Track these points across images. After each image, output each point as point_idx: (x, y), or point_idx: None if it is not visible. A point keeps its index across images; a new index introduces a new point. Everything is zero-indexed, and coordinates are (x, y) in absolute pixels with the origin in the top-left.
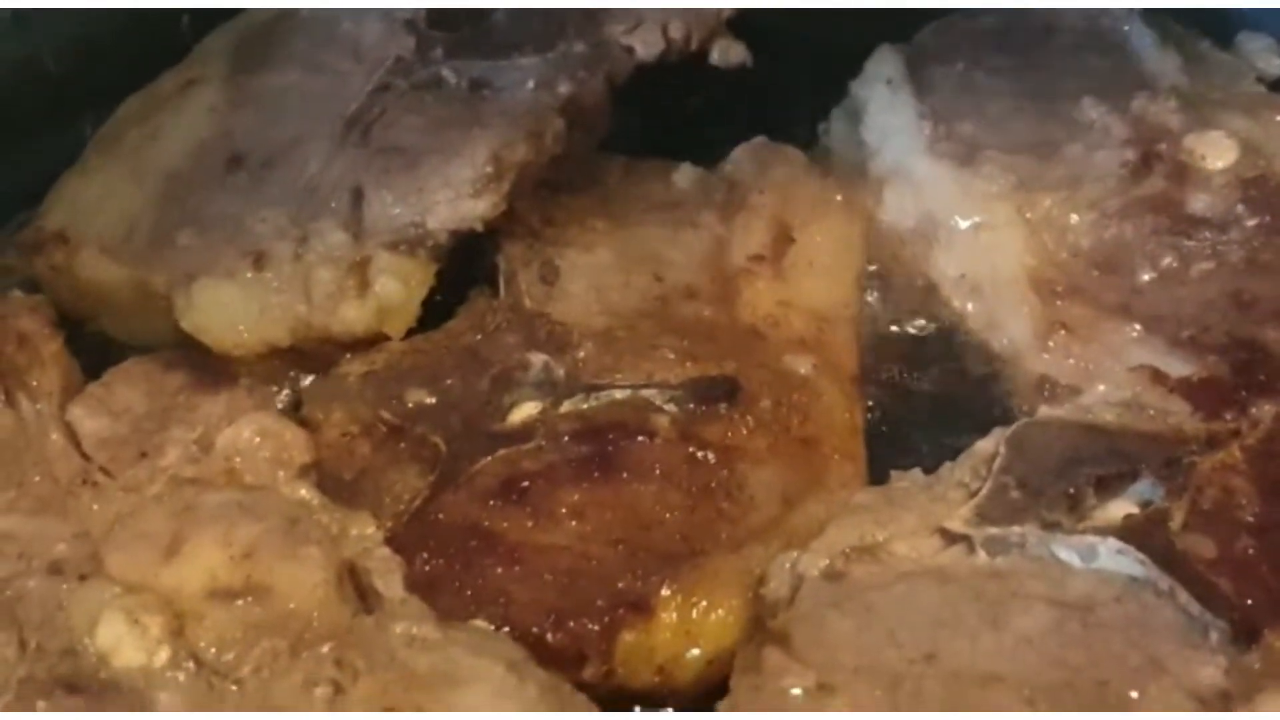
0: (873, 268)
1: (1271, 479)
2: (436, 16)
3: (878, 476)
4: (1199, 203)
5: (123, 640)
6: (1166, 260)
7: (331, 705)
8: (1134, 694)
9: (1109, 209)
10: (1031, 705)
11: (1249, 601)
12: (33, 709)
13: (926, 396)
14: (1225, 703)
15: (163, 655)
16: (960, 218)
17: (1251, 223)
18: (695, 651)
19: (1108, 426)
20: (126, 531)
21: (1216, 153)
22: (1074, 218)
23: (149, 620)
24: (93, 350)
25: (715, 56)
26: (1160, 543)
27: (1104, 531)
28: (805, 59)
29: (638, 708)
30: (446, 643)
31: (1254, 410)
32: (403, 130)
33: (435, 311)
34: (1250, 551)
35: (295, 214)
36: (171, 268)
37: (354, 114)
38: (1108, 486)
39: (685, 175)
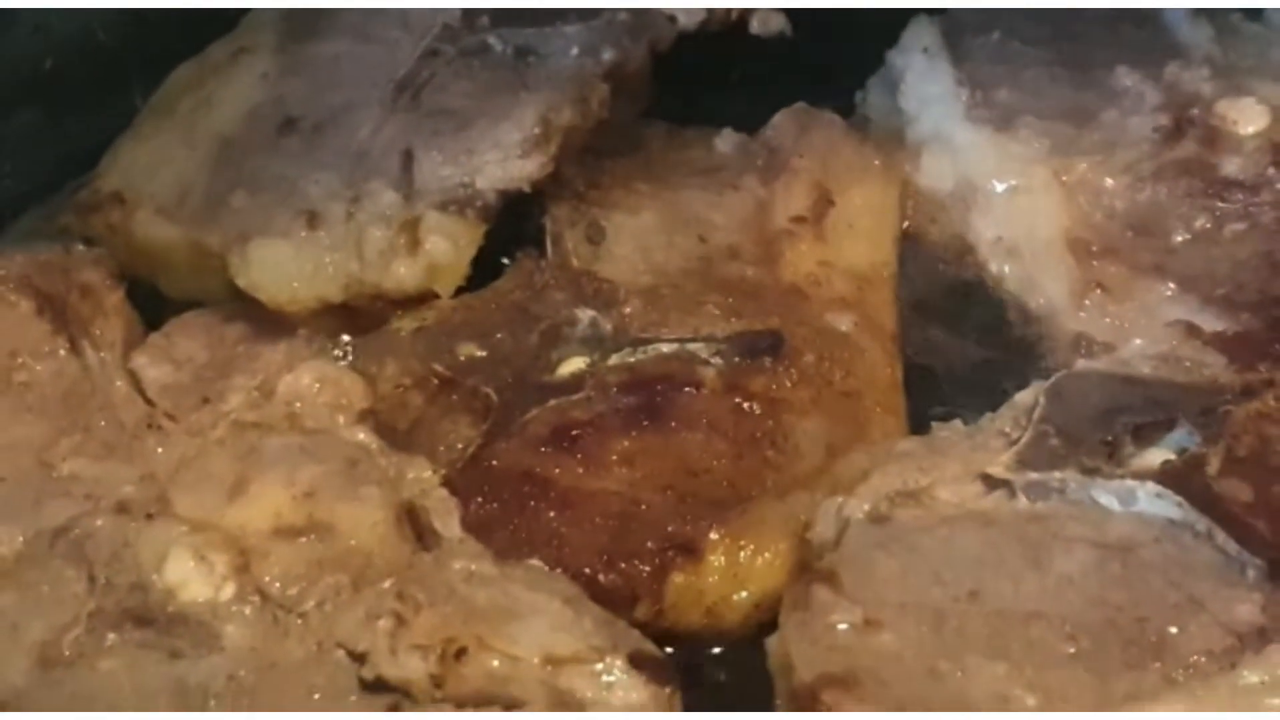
0: (911, 230)
1: None
2: None
3: (918, 431)
4: (1231, 166)
5: (190, 575)
6: (1199, 222)
7: (394, 637)
8: (1173, 630)
9: (1143, 172)
10: (1073, 642)
11: None
12: (103, 640)
13: (964, 355)
14: (1262, 638)
15: (229, 590)
16: (997, 181)
17: None
18: (743, 594)
19: (1145, 378)
20: (192, 473)
21: (1248, 118)
22: (1109, 181)
23: (215, 557)
24: (148, 308)
25: (755, 26)
26: (1198, 486)
27: (1143, 476)
28: (843, 29)
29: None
30: (504, 579)
31: None
32: (452, 95)
33: (484, 272)
34: None
35: (347, 175)
36: (226, 228)
37: (403, 79)
38: (1145, 435)
39: (727, 140)
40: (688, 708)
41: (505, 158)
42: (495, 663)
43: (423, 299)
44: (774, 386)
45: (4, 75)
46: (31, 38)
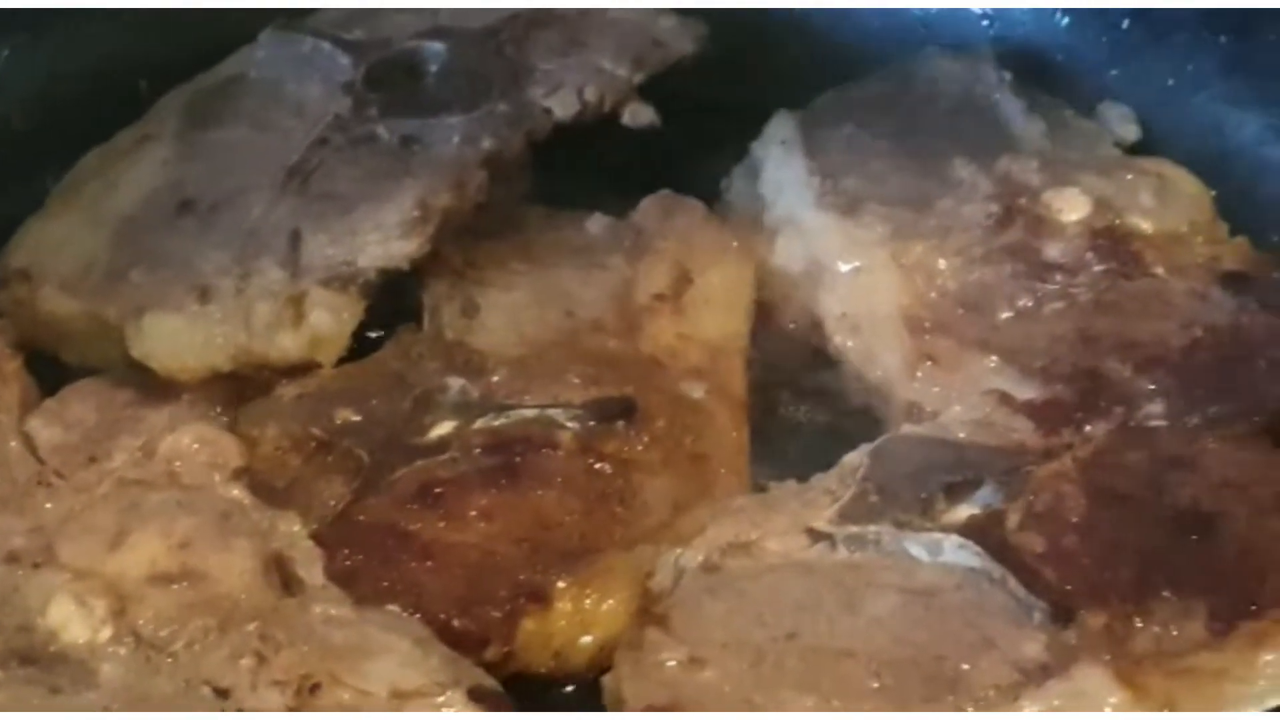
0: (764, 306)
1: (1098, 485)
2: (373, 79)
3: (762, 491)
4: (1053, 250)
5: (71, 619)
6: (1023, 301)
7: (255, 674)
8: (966, 666)
9: (974, 255)
10: (878, 677)
11: (1068, 587)
12: None
13: (809, 422)
14: (1044, 673)
15: (106, 632)
16: (842, 262)
17: (1099, 268)
18: (588, 638)
19: (959, 441)
20: (76, 525)
21: (1071, 207)
22: (942, 263)
23: (94, 602)
24: (49, 376)
25: (626, 118)
26: (996, 538)
27: (949, 529)
28: (711, 122)
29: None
30: (360, 621)
31: (1089, 428)
32: (339, 180)
33: (366, 345)
34: (1074, 546)
35: (238, 254)
36: (124, 302)
37: (295, 165)
38: (956, 492)
39: (597, 223)
40: None
41: (386, 238)
42: (346, 696)
43: (307, 369)
44: (626, 448)
45: None
46: None
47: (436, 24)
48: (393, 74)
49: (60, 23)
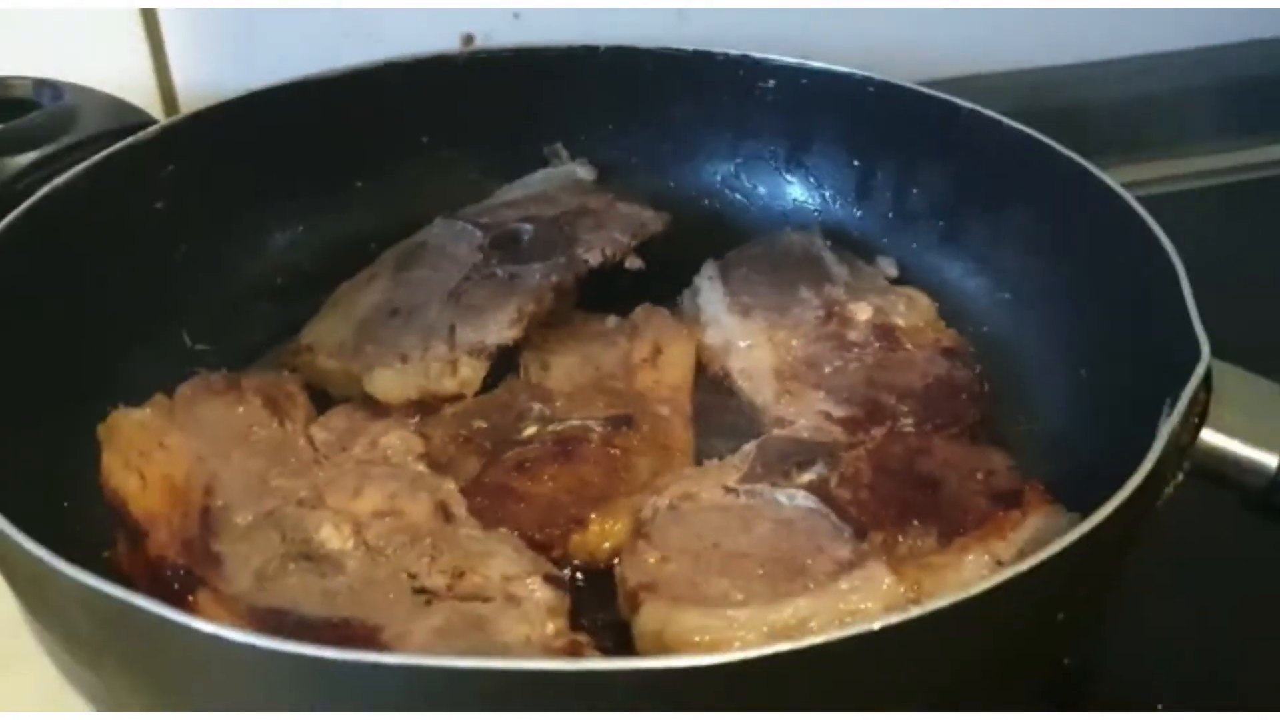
0: (700, 365)
1: (878, 463)
2: (493, 243)
3: (698, 464)
4: (853, 335)
5: (331, 536)
6: (837, 363)
7: (430, 566)
8: (809, 561)
9: (811, 337)
10: (762, 567)
11: (863, 519)
12: (285, 572)
13: (724, 429)
14: (850, 565)
15: (350, 543)
16: (741, 342)
17: (877, 345)
18: (607, 545)
19: (803, 440)
20: (334, 486)
21: (861, 312)
22: (795, 342)
23: (344, 526)
24: (321, 402)
25: (627, 264)
26: (824, 492)
27: (798, 488)
28: (672, 268)
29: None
30: (485, 538)
31: (873, 432)
32: (476, 298)
33: (489, 385)
34: (866, 497)
35: (422, 339)
36: (362, 363)
37: (452, 290)
38: (801, 467)
39: (611, 320)
40: (576, 604)
41: (500, 329)
42: (478, 578)
43: (458, 398)
44: (627, 443)
45: (252, 287)
46: (265, 264)
47: (528, 213)
48: (503, 240)
49: (331, 210)
